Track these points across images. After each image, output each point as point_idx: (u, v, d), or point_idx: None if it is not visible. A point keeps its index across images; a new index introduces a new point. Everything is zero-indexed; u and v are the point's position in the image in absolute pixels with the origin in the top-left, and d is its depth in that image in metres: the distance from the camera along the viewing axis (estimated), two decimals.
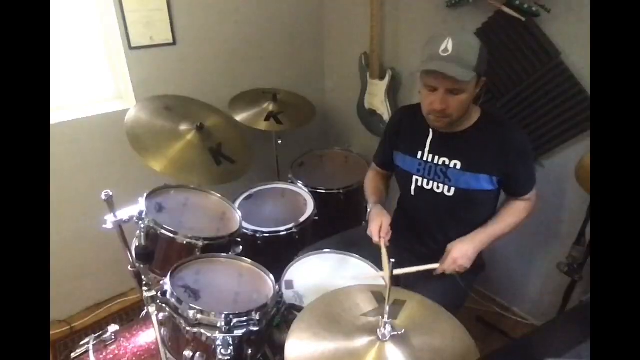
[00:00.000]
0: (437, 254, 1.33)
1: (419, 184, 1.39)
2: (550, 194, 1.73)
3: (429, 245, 1.44)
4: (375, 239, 1.36)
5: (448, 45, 1.14)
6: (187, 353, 1.11)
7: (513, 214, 1.35)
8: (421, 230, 1.45)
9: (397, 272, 1.24)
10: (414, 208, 1.46)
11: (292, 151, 2.25)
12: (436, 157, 1.34)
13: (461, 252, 1.26)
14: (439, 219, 1.40)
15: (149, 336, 1.39)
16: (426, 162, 1.36)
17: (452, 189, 1.32)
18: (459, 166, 1.30)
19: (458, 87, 1.16)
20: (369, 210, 1.47)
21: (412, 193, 1.42)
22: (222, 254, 1.34)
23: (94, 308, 2.16)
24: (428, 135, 1.35)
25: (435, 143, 1.35)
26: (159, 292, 1.17)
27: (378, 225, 1.37)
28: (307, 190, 1.90)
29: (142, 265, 1.34)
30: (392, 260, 0.90)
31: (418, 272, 1.38)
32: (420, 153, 1.37)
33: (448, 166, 1.32)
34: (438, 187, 1.35)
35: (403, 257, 1.46)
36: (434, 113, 1.23)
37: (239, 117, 2.00)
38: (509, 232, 1.35)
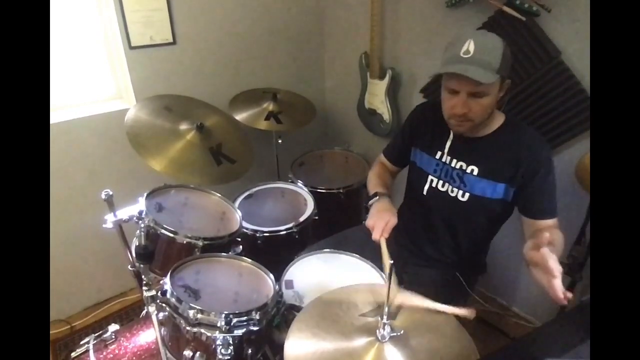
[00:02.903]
0: (440, 256, 1.32)
1: (434, 184, 1.36)
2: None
3: (434, 247, 1.42)
4: (376, 236, 1.25)
5: (470, 46, 1.09)
6: (187, 353, 1.11)
7: (558, 236, 1.15)
8: (428, 231, 1.42)
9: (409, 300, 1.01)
10: (424, 208, 1.42)
11: (292, 151, 2.25)
12: (454, 161, 1.30)
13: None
14: (449, 222, 1.36)
15: (149, 336, 1.39)
16: (444, 163, 1.33)
17: (467, 195, 1.28)
18: (475, 172, 1.26)
19: (481, 90, 1.11)
20: (375, 199, 1.39)
21: (425, 192, 1.38)
22: (222, 254, 1.34)
23: (94, 308, 2.16)
24: (448, 137, 1.31)
25: (455, 146, 1.31)
26: (159, 292, 1.17)
27: (384, 222, 1.26)
28: (307, 190, 1.90)
29: (142, 265, 1.35)
30: (391, 261, 0.89)
31: (420, 272, 1.38)
32: (439, 153, 1.34)
33: (465, 171, 1.28)
34: (452, 191, 1.31)
35: (403, 256, 1.46)
36: (455, 117, 1.19)
37: (239, 117, 2.00)
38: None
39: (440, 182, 1.34)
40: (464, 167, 1.28)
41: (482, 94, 1.13)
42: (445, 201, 1.33)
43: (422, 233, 1.45)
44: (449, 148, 1.32)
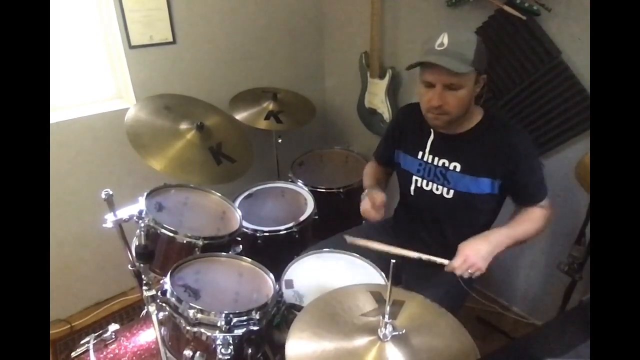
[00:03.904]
0: (434, 255, 1.32)
1: (419, 184, 1.39)
2: (550, 193, 1.72)
3: (427, 246, 1.43)
4: (364, 207, 1.37)
5: (444, 39, 1.13)
6: (187, 352, 1.11)
7: (530, 219, 1.26)
8: (419, 230, 1.45)
9: (402, 252, 1.21)
10: (413, 208, 1.46)
11: (292, 150, 2.25)
12: (436, 159, 1.33)
13: (472, 250, 1.16)
14: (437, 220, 1.39)
15: (149, 335, 1.39)
16: (426, 162, 1.36)
17: (451, 192, 1.31)
18: (458, 168, 1.29)
19: (455, 81, 1.14)
20: (364, 192, 1.45)
21: (412, 193, 1.42)
22: (222, 253, 1.34)
23: (94, 307, 2.16)
24: (429, 136, 1.34)
25: (436, 144, 1.34)
26: (159, 292, 1.17)
27: (370, 203, 1.35)
28: (307, 190, 1.90)
29: (142, 265, 1.34)
30: (393, 260, 0.89)
31: (417, 270, 1.38)
32: (420, 153, 1.37)
33: (447, 168, 1.31)
34: (437, 189, 1.34)
35: (398, 256, 1.46)
36: (432, 110, 1.21)
37: (239, 116, 2.00)
38: (525, 239, 1.26)
39: (425, 181, 1.37)
40: (446, 164, 1.31)
41: (457, 86, 1.15)
42: (432, 200, 1.36)
43: (414, 233, 1.47)
44: (430, 146, 1.34)
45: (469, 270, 1.15)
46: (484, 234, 1.22)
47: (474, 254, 1.15)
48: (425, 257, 1.19)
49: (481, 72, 1.19)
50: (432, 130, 1.33)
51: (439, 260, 1.19)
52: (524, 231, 1.25)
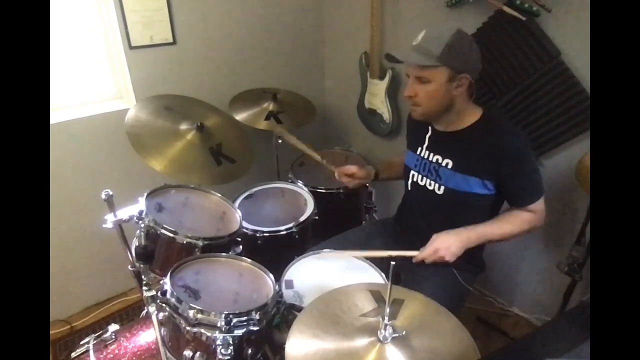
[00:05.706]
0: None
1: (415, 179, 1.42)
2: (550, 193, 1.72)
3: (420, 240, 1.43)
4: (340, 170, 1.57)
5: (420, 36, 1.20)
6: (187, 353, 1.11)
7: (512, 222, 1.29)
8: (413, 225, 1.47)
9: (370, 254, 1.32)
10: (409, 202, 1.50)
11: (292, 151, 2.24)
12: (431, 154, 1.36)
13: (444, 244, 1.23)
14: (429, 216, 1.41)
15: (149, 336, 1.39)
16: (423, 158, 1.39)
17: (442, 188, 1.33)
18: (450, 165, 1.31)
19: (423, 75, 1.20)
20: None
21: (409, 188, 1.45)
22: (222, 254, 1.34)
23: (94, 308, 2.16)
24: (427, 132, 1.38)
25: (432, 140, 1.37)
26: (159, 292, 1.17)
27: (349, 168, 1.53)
28: (307, 190, 1.90)
29: (142, 265, 1.34)
30: (393, 262, 0.89)
31: (416, 270, 1.38)
32: (419, 149, 1.40)
33: (440, 164, 1.33)
34: (430, 185, 1.36)
35: (392, 248, 1.46)
36: (407, 100, 1.28)
37: (239, 117, 2.00)
38: (502, 239, 1.30)
39: (420, 176, 1.40)
40: (439, 161, 1.34)
41: (425, 80, 1.21)
42: (425, 195, 1.38)
43: (413, 229, 1.48)
44: (428, 142, 1.38)
45: (436, 261, 1.24)
46: (458, 229, 1.26)
47: (444, 248, 1.22)
48: (394, 253, 1.26)
49: (458, 70, 1.19)
50: (429, 126, 1.36)
51: (407, 253, 1.26)
52: (502, 233, 1.29)
